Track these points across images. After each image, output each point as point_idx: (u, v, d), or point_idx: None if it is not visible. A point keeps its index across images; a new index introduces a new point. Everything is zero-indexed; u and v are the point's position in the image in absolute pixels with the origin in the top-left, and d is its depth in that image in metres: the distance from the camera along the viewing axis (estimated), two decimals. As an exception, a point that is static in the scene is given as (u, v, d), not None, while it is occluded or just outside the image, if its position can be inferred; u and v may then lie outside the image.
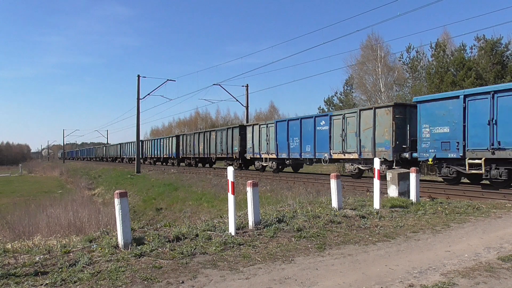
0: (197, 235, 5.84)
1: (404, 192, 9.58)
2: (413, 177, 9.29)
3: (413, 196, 9.23)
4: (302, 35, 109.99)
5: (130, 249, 5.07)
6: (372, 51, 33.94)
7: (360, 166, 16.88)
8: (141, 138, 40.88)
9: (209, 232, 6.05)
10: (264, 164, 23.36)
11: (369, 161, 15.78)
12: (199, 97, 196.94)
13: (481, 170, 11.87)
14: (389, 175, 9.95)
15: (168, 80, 35.16)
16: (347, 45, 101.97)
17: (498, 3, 64.27)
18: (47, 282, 3.95)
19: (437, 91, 24.72)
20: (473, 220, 7.32)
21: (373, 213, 7.66)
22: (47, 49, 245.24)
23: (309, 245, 5.44)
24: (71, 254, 4.98)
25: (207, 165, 32.23)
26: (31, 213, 16.32)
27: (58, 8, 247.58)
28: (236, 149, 25.59)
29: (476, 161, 12.03)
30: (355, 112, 16.76)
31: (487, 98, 11.80)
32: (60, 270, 4.34)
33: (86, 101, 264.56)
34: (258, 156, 23.65)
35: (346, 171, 18.04)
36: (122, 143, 59.22)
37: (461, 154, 12.43)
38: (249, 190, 6.48)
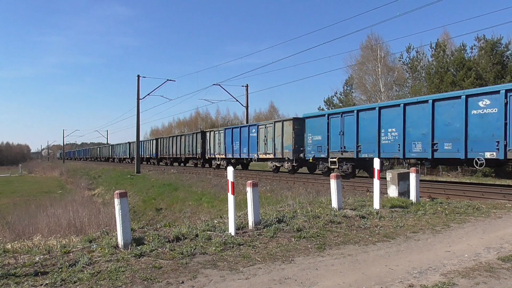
0: (197, 235, 5.84)
1: (404, 192, 9.58)
2: (413, 177, 9.29)
3: (413, 196, 9.23)
4: (302, 35, 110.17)
5: (130, 249, 5.07)
6: (372, 51, 33.96)
7: (276, 164, 22.06)
8: (141, 138, 41.05)
9: (209, 232, 6.05)
10: (218, 163, 28.12)
11: (281, 160, 21.31)
12: (199, 97, 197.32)
13: (336, 165, 17.24)
14: (389, 175, 9.95)
15: (168, 80, 35.25)
16: (347, 45, 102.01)
17: (498, 3, 64.33)
18: (47, 282, 3.95)
19: (437, 91, 24.75)
20: (473, 220, 7.32)
21: (373, 213, 7.66)
22: (47, 49, 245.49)
23: (309, 245, 5.44)
24: (71, 254, 4.98)
25: (182, 164, 37.32)
26: (31, 213, 16.35)
27: (58, 8, 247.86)
28: (199, 150, 31.13)
29: (334, 159, 17.36)
30: (272, 123, 22.06)
31: (339, 116, 17.03)
32: (60, 270, 4.34)
33: (86, 101, 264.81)
34: (213, 156, 28.91)
35: (268, 167, 23.70)
36: (113, 144, 66.36)
37: (326, 155, 17.67)
38: (249, 190, 6.48)
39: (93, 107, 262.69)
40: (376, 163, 8.60)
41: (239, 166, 27.52)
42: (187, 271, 4.34)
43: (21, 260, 4.74)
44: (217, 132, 28.36)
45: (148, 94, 36.08)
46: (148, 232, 6.14)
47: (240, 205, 9.12)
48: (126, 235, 5.25)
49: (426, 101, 13.35)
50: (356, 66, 35.70)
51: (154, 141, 42.83)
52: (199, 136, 31.24)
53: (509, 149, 10.87)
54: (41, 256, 4.87)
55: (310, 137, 18.51)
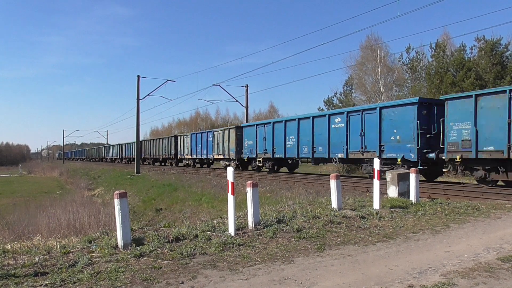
0: (196, 236, 5.84)
1: (403, 193, 9.59)
2: (413, 177, 9.30)
3: (412, 196, 9.23)
4: (302, 35, 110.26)
5: (130, 249, 5.06)
6: (371, 52, 33.98)
7: (225, 162, 27.32)
8: (141, 138, 41.30)
9: (208, 232, 6.05)
10: (187, 162, 34.27)
11: (229, 159, 26.54)
12: (199, 98, 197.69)
13: (261, 164, 22.87)
14: (388, 176, 9.96)
15: (168, 80, 35.26)
16: (347, 45, 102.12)
17: (498, 4, 64.39)
18: (47, 282, 3.95)
19: (436, 92, 24.78)
20: (472, 221, 7.32)
21: (373, 213, 7.66)
22: (47, 49, 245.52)
23: (309, 246, 5.44)
24: (71, 255, 4.98)
25: (161, 164, 42.86)
26: (30, 214, 16.34)
27: (58, 8, 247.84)
28: (173, 152, 37.04)
29: (260, 159, 22.83)
30: (222, 130, 27.57)
31: (262, 126, 22.77)
32: (60, 270, 4.34)
33: (86, 101, 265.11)
34: (183, 156, 34.78)
35: (221, 165, 29.05)
36: (106, 146, 74.19)
37: (255, 155, 23.10)
38: (248, 190, 6.48)
39: (93, 107, 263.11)
40: (376, 164, 8.61)
41: (205, 166, 33.45)
42: (187, 271, 4.34)
43: (20, 261, 4.74)
44: (186, 136, 34.57)
45: (148, 95, 36.13)
46: (148, 233, 6.14)
47: (240, 205, 9.12)
48: (126, 236, 5.25)
49: (309, 117, 19.02)
50: (356, 67, 35.73)
51: (142, 143, 48.33)
52: (172, 139, 37.49)
53: (350, 151, 16.48)
54: (41, 257, 4.87)
55: (246, 142, 24.42)
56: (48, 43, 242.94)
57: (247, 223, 6.52)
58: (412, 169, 9.41)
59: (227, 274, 4.26)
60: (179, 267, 4.48)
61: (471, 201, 9.91)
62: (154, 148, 42.67)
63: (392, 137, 14.67)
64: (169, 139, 38.35)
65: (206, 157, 30.15)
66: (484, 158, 11.90)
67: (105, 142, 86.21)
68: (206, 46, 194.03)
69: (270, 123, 22.37)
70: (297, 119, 19.76)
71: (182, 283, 3.98)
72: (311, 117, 18.81)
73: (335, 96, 38.73)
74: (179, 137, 36.28)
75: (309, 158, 19.45)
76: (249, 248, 5.27)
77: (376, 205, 8.34)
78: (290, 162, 22.23)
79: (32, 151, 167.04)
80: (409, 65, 32.63)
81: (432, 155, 13.54)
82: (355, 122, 16.25)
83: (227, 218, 6.31)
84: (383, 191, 9.27)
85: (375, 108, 15.56)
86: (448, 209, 8.39)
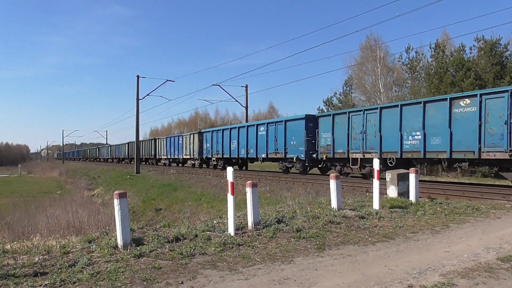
0: (196, 236, 5.84)
1: (403, 193, 9.59)
2: (412, 177, 9.30)
3: (412, 196, 9.24)
4: (301, 35, 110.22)
5: (130, 249, 5.06)
6: (371, 52, 33.99)
7: (192, 162, 33.02)
8: (140, 138, 41.52)
9: (208, 232, 6.05)
10: (164, 162, 39.62)
11: (195, 159, 32.17)
12: (199, 98, 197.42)
13: (216, 162, 28.15)
14: (388, 176, 9.96)
15: (167, 80, 35.25)
16: (347, 45, 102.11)
17: (498, 4, 64.43)
18: (47, 282, 3.95)
19: (436, 92, 24.78)
20: (472, 221, 7.32)
21: (373, 213, 7.67)
22: (47, 49, 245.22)
23: (309, 246, 5.44)
24: (71, 255, 4.98)
25: (145, 163, 47.99)
26: (30, 214, 16.33)
27: (58, 8, 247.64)
28: (153, 152, 43.25)
29: (214, 158, 28.33)
30: (189, 135, 33.51)
31: (216, 132, 28.25)
32: (60, 270, 4.33)
33: (86, 101, 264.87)
34: (161, 157, 40.69)
35: (189, 163, 34.31)
36: (99, 146, 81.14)
37: (211, 155, 28.83)
38: (248, 190, 6.48)
39: (92, 107, 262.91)
40: (376, 164, 8.61)
41: (180, 165, 38.01)
42: (187, 271, 4.34)
43: (20, 261, 4.74)
44: (163, 139, 40.56)
45: (148, 95, 36.14)
46: (148, 233, 6.14)
47: (240, 205, 9.12)
48: (126, 236, 5.25)
49: (244, 126, 24.97)
50: (356, 67, 35.77)
51: (126, 145, 55.21)
52: (152, 142, 44.07)
53: (269, 152, 21.87)
54: (41, 257, 4.87)
55: (205, 144, 29.97)
56: (48, 43, 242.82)
57: (247, 223, 6.52)
58: (412, 169, 9.42)
59: (227, 274, 4.26)
60: (178, 267, 4.48)
61: (470, 201, 9.91)
62: (147, 148, 48.11)
63: (292, 142, 20.31)
64: (150, 141, 45.34)
65: (177, 157, 36.28)
66: (338, 157, 17.91)
67: (105, 142, 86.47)
68: (206, 46, 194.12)
69: (221, 130, 27.94)
70: (237, 128, 25.65)
71: (182, 283, 3.98)
72: (246, 126, 24.72)
73: (334, 96, 38.82)
74: (157, 140, 42.99)
75: (244, 157, 25.02)
76: (249, 248, 5.27)
77: (375, 205, 8.34)
78: (234, 161, 26.83)
79: (31, 151, 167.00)
80: (408, 65, 32.66)
81: (314, 155, 19.13)
82: (272, 131, 21.81)
83: (227, 218, 6.31)
84: (382, 191, 9.28)
85: (282, 121, 21.38)
86: (447, 209, 8.40)
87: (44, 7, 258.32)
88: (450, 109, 12.96)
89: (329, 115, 18.65)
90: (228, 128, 26.97)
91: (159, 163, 41.62)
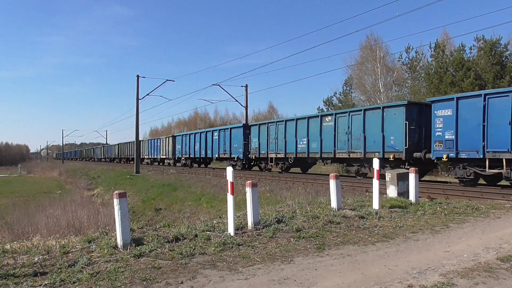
0: (196, 236, 5.84)
1: (403, 193, 9.59)
2: (412, 177, 9.30)
3: (412, 196, 9.24)
4: (301, 35, 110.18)
5: (129, 249, 5.06)
6: (371, 52, 33.98)
7: (168, 161, 38.69)
8: (140, 138, 41.70)
9: (208, 232, 6.05)
10: (147, 161, 46.26)
11: (170, 159, 38.12)
12: (199, 97, 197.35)
13: (185, 161, 34.08)
14: (388, 176, 9.96)
15: (167, 80, 35.22)
16: (347, 45, 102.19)
17: (498, 3, 64.41)
18: (46, 282, 3.95)
19: (436, 91, 24.77)
20: (472, 221, 7.33)
21: (372, 213, 7.67)
22: (47, 49, 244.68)
23: (308, 246, 5.44)
24: (70, 255, 4.98)
25: (131, 162, 52.98)
26: (30, 214, 16.33)
27: (58, 8, 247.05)
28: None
29: (183, 157, 34.45)
30: (165, 138, 39.62)
31: (188, 135, 34.02)
32: (59, 270, 4.33)
33: (86, 101, 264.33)
34: (144, 157, 46.44)
35: (165, 163, 39.83)
36: (93, 147, 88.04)
37: (181, 155, 34.76)
38: (248, 190, 6.48)
39: (92, 107, 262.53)
40: (376, 164, 8.61)
41: (161, 164, 43.02)
42: (186, 271, 4.34)
43: (20, 261, 4.74)
44: (145, 141, 47.63)
45: (148, 94, 36.08)
46: (148, 233, 6.14)
47: (240, 205, 9.12)
48: (125, 236, 5.25)
49: (204, 132, 31.24)
50: (356, 66, 35.75)
51: (117, 146, 62.35)
52: (140, 143, 50.24)
53: (220, 153, 27.86)
54: (40, 257, 4.86)
55: (177, 146, 36.41)
56: (48, 43, 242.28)
57: (247, 223, 6.52)
58: (412, 169, 9.42)
59: (227, 274, 4.26)
60: (178, 267, 4.48)
61: (470, 201, 9.91)
62: (127, 150, 55.69)
63: (235, 145, 26.33)
64: (133, 143, 49.72)
65: (157, 157, 42.49)
66: (262, 157, 23.75)
67: (105, 142, 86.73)
68: (206, 46, 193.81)
69: (188, 134, 34.62)
70: (199, 133, 32.22)
71: (182, 283, 3.98)
72: (205, 132, 31.22)
73: (334, 96, 38.75)
74: (141, 142, 47.98)
75: (204, 157, 31.18)
76: (249, 248, 5.27)
77: (375, 205, 8.34)
78: (197, 160, 32.98)
79: (31, 151, 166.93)
80: (408, 65, 32.66)
81: (249, 156, 24.89)
82: (222, 136, 28.12)
83: (227, 218, 6.31)
84: (382, 191, 9.28)
85: (228, 128, 27.80)
86: (447, 209, 8.40)
87: (44, 7, 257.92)
88: (321, 123, 18.98)
89: (256, 124, 24.92)
90: (193, 133, 33.57)
91: (143, 162, 46.80)
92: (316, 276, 4.19)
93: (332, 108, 36.79)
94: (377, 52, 33.39)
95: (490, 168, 11.88)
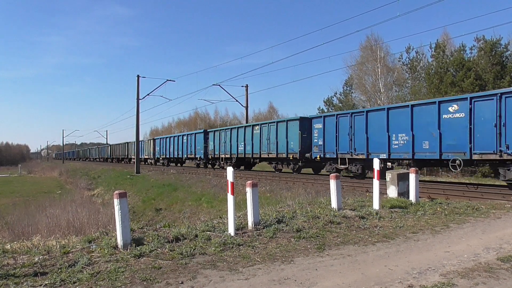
0: (196, 236, 5.84)
1: (403, 193, 9.59)
2: (412, 177, 9.30)
3: (412, 196, 9.23)
4: (301, 35, 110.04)
5: (130, 249, 5.06)
6: (371, 52, 33.97)
7: (151, 161, 43.65)
8: (140, 138, 41.77)
9: (208, 232, 6.05)
10: (133, 161, 45.39)
11: (151, 159, 43.30)
12: (199, 97, 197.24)
13: (164, 161, 39.89)
14: (388, 176, 9.96)
15: (167, 80, 35.30)
16: (347, 45, 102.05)
17: (498, 4, 64.39)
18: (46, 282, 3.95)
19: (436, 92, 24.78)
20: (472, 221, 7.32)
21: (373, 213, 7.66)
22: (47, 49, 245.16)
23: (309, 246, 5.44)
24: (71, 255, 4.98)
25: (121, 161, 60.22)
26: (30, 214, 16.32)
27: (58, 8, 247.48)
28: (125, 153, 55.79)
29: (162, 158, 40.34)
30: (147, 140, 46.72)
31: (169, 138, 39.06)
32: (60, 270, 4.33)
33: (86, 101, 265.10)
34: (131, 157, 50.89)
35: (148, 162, 45.15)
36: (89, 148, 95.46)
37: (159, 156, 40.67)
38: (248, 190, 6.48)
39: (92, 107, 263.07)
40: (376, 164, 8.61)
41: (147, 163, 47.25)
42: (187, 271, 4.34)
43: (20, 261, 4.74)
44: (131, 143, 52.40)
45: (148, 94, 36.21)
46: (148, 233, 6.14)
47: (240, 205, 9.12)
48: (126, 236, 5.25)
49: (180, 136, 35.89)
50: (356, 67, 35.74)
51: (109, 147, 69.61)
52: (126, 145, 56.27)
53: (188, 153, 33.45)
54: (41, 257, 4.87)
55: (157, 148, 41.54)
56: (48, 43, 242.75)
57: (247, 223, 6.52)
58: (412, 169, 9.42)
59: (227, 274, 4.26)
60: (178, 267, 4.48)
61: (470, 201, 9.91)
62: (117, 150, 61.70)
63: (198, 147, 31.69)
64: (124, 144, 57.57)
65: (141, 157, 46.11)
66: (215, 157, 28.64)
67: (105, 142, 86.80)
68: (206, 46, 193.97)
69: (164, 138, 40.59)
70: (174, 137, 37.76)
71: (182, 283, 3.98)
72: (177, 136, 36.98)
73: (335, 96, 38.77)
74: (128, 144, 55.10)
75: (178, 157, 36.33)
76: (249, 248, 5.27)
77: (375, 205, 8.34)
78: (172, 160, 38.25)
79: (31, 151, 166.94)
80: (409, 65, 32.65)
81: (208, 156, 29.99)
82: (190, 140, 33.46)
83: (227, 218, 6.31)
84: (382, 191, 9.27)
85: (193, 134, 33.47)
86: (447, 209, 8.39)
87: (44, 7, 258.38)
88: (252, 131, 24.21)
89: (212, 131, 30.22)
90: (169, 137, 39.36)
91: (130, 162, 52.52)
92: (316, 276, 4.19)
93: (333, 108, 36.80)
94: (377, 52, 33.39)
95: (341, 164, 17.64)
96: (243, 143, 24.88)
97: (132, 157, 50.28)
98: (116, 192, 5.37)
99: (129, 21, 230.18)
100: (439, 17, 77.22)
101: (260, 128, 23.46)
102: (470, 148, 12.10)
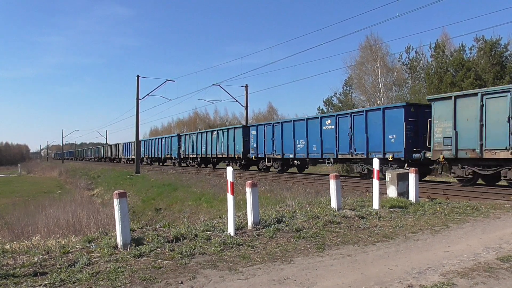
0: (196, 236, 5.84)
1: (403, 193, 9.59)
2: (412, 177, 9.30)
3: (412, 196, 9.23)
4: (301, 35, 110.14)
5: (129, 249, 5.06)
6: (371, 52, 33.97)
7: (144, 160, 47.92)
8: (140, 138, 41.88)
9: (208, 232, 6.05)
10: (123, 160, 55.97)
11: (139, 159, 41.00)
12: (199, 97, 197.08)
13: (147, 160, 46.35)
14: (388, 176, 9.96)
15: (167, 80, 35.24)
16: (347, 45, 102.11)
17: (498, 4, 64.41)
18: (46, 282, 3.95)
19: (436, 92, 24.76)
20: (472, 221, 7.32)
21: (372, 213, 7.67)
22: (47, 49, 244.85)
23: (308, 246, 5.44)
24: (70, 255, 4.97)
25: (113, 161, 64.51)
26: (30, 214, 16.33)
27: (58, 8, 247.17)
28: (116, 154, 60.27)
29: (146, 157, 46.81)
30: (131, 142, 47.61)
31: (154, 139, 45.02)
32: (59, 270, 4.33)
33: (86, 101, 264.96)
34: (121, 157, 57.14)
35: (128, 161, 52.56)
36: (85, 148, 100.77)
37: (143, 156, 46.57)
38: (248, 190, 6.48)
39: (92, 107, 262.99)
40: (376, 164, 8.61)
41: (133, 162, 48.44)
42: (186, 271, 4.34)
43: (20, 261, 4.73)
44: (121, 144, 57.72)
45: (148, 94, 36.14)
46: (148, 232, 6.14)
47: (240, 205, 9.11)
48: (125, 235, 5.25)
49: (158, 138, 43.39)
50: (356, 67, 35.72)
51: (102, 147, 75.55)
52: (116, 146, 61.26)
53: (166, 154, 40.09)
54: (40, 257, 4.86)
55: (142, 149, 44.59)
56: (48, 43, 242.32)
57: (247, 223, 6.52)
58: (412, 169, 9.42)
59: (227, 274, 4.26)
60: (178, 267, 4.48)
61: (470, 201, 9.91)
62: (110, 151, 67.04)
63: (173, 149, 37.20)
64: (115, 145, 63.18)
65: (129, 157, 52.34)
66: (187, 157, 34.71)
67: (105, 142, 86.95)
68: (206, 46, 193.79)
69: (148, 140, 46.86)
70: (156, 139, 43.63)
71: (182, 283, 3.98)
72: (157, 139, 43.16)
73: (334, 96, 38.72)
74: (118, 145, 60.29)
75: (159, 157, 41.84)
76: (249, 248, 5.27)
77: (375, 205, 8.34)
78: (154, 159, 43.68)
79: (31, 151, 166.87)
80: (408, 65, 32.65)
81: (181, 156, 35.68)
82: (167, 142, 39.17)
83: (227, 218, 6.31)
84: (382, 191, 9.27)
85: (169, 137, 38.73)
86: (447, 209, 8.40)
87: (44, 7, 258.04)
88: (211, 135, 30.05)
89: (184, 135, 36.69)
90: (152, 139, 45.39)
91: (120, 161, 57.92)
92: (316, 276, 4.19)
93: (332, 108, 36.80)
94: (377, 52, 33.37)
95: (268, 162, 23.19)
96: (205, 146, 30.70)
97: (122, 156, 56.83)
98: (116, 192, 5.37)
99: (129, 21, 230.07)
100: (439, 17, 77.27)
101: (217, 133, 29.16)
102: (336, 150, 17.59)
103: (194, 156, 32.94)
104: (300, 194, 13.00)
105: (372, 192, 8.71)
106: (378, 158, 10.96)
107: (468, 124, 12.28)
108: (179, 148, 36.07)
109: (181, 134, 37.53)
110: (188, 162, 35.02)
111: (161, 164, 43.22)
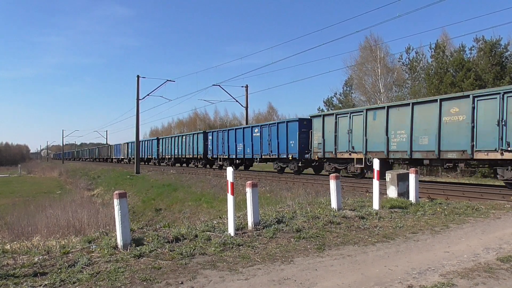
0: (196, 236, 5.84)
1: (403, 193, 9.59)
2: (412, 177, 9.30)
3: (412, 196, 9.24)
4: (301, 35, 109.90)
5: (129, 249, 5.06)
6: (371, 52, 33.97)
7: (127, 161, 52.86)
8: (140, 138, 41.84)
9: (208, 232, 6.05)
10: (115, 160, 59.99)
11: (126, 159, 54.36)
12: (199, 98, 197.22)
13: (128, 160, 52.97)
14: (388, 176, 9.96)
15: (167, 80, 35.31)
16: (347, 46, 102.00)
17: (498, 4, 64.43)
18: (46, 282, 3.95)
19: (436, 92, 24.76)
20: (472, 221, 7.32)
21: (373, 213, 7.67)
22: (47, 49, 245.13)
23: (308, 246, 5.44)
24: (70, 255, 4.98)
25: (107, 161, 68.02)
26: (30, 214, 16.32)
27: (58, 8, 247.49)
28: (109, 154, 65.08)
29: (124, 157, 55.67)
30: (123, 143, 55.26)
31: (150, 140, 46.33)
32: (59, 270, 4.33)
33: (86, 102, 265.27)
34: (113, 157, 61.31)
35: (123, 162, 55.69)
36: (82, 149, 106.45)
37: (127, 156, 53.93)
38: (248, 190, 6.48)
39: (92, 107, 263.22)
40: (376, 164, 8.61)
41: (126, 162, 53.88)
42: (187, 271, 4.34)
43: (20, 261, 4.74)
44: (112, 145, 63.70)
45: (148, 95, 36.23)
46: (148, 233, 6.14)
47: (240, 205, 9.11)
48: (126, 236, 5.25)
49: (145, 141, 48.18)
50: (356, 67, 35.73)
51: (97, 148, 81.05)
52: (109, 147, 66.52)
53: (148, 155, 46.30)
54: (40, 257, 4.87)
55: (129, 150, 50.12)
56: (48, 43, 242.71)
57: (247, 223, 6.52)
58: (412, 169, 9.42)
59: (227, 274, 4.26)
60: (178, 267, 4.48)
61: (470, 201, 9.91)
62: (104, 151, 71.67)
63: (153, 151, 42.86)
64: (108, 146, 69.02)
65: (119, 157, 57.34)
66: (164, 157, 40.21)
67: (105, 142, 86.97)
68: (206, 46, 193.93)
69: (150, 140, 46.44)
70: (143, 141, 46.63)
71: (182, 283, 3.98)
72: (145, 141, 47.19)
73: (334, 96, 38.76)
74: (112, 146, 65.10)
75: (147, 157, 45.74)
76: (249, 248, 5.27)
77: (375, 205, 8.34)
78: (144, 159, 46.06)
79: (31, 151, 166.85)
80: (408, 66, 32.64)
81: (160, 156, 41.22)
82: (149, 145, 44.99)
83: (227, 218, 6.31)
84: (382, 192, 9.27)
85: (150, 140, 45.94)
86: (447, 209, 8.40)
87: (44, 7, 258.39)
88: (182, 139, 35.19)
89: (162, 138, 41.85)
90: (150, 139, 47.10)
91: (112, 161, 62.06)
92: (316, 277, 4.19)
93: (332, 108, 36.80)
94: (377, 53, 33.38)
95: (220, 161, 27.98)
96: (177, 148, 36.02)
97: (113, 157, 61.79)
98: (116, 192, 5.37)
99: (129, 21, 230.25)
100: (439, 18, 77.27)
101: (186, 137, 34.39)
102: (261, 152, 22.79)
103: (169, 156, 38.31)
104: (300, 195, 12.99)
105: (372, 193, 8.71)
106: (283, 157, 21.11)
107: (330, 135, 17.84)
108: (158, 150, 41.51)
109: (159, 138, 42.91)
110: (165, 162, 40.07)
111: (145, 164, 47.02)
